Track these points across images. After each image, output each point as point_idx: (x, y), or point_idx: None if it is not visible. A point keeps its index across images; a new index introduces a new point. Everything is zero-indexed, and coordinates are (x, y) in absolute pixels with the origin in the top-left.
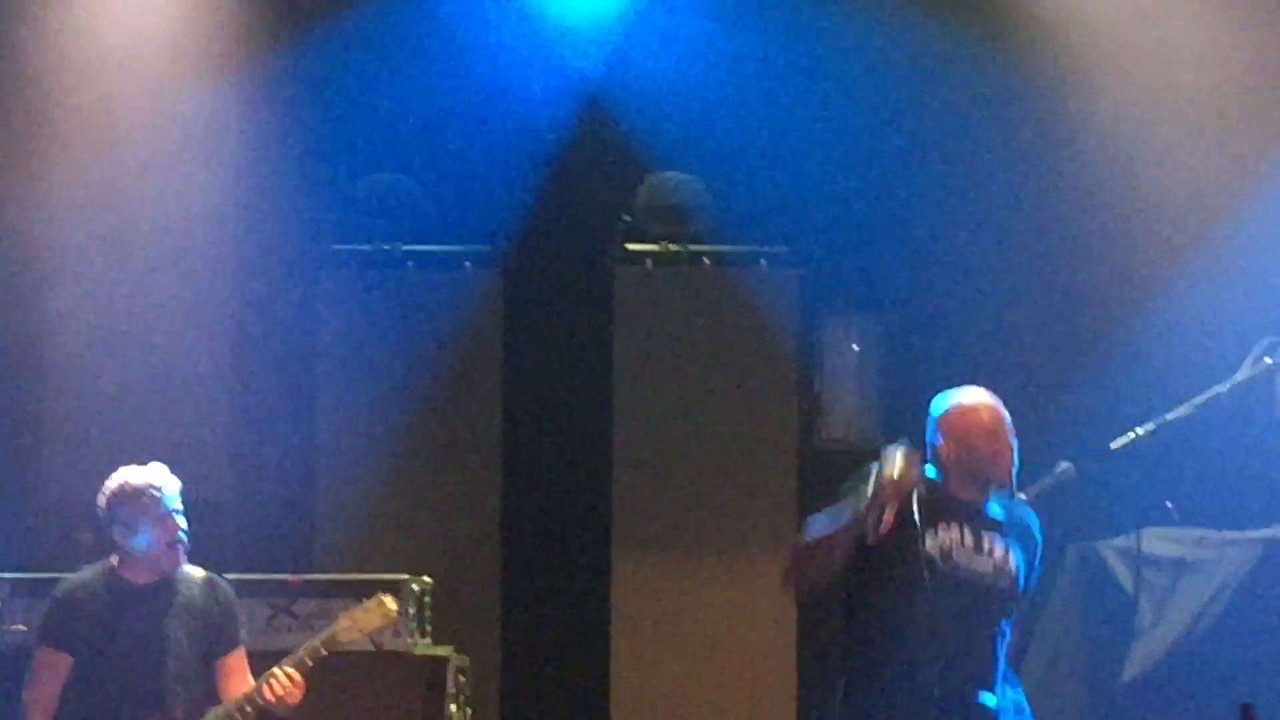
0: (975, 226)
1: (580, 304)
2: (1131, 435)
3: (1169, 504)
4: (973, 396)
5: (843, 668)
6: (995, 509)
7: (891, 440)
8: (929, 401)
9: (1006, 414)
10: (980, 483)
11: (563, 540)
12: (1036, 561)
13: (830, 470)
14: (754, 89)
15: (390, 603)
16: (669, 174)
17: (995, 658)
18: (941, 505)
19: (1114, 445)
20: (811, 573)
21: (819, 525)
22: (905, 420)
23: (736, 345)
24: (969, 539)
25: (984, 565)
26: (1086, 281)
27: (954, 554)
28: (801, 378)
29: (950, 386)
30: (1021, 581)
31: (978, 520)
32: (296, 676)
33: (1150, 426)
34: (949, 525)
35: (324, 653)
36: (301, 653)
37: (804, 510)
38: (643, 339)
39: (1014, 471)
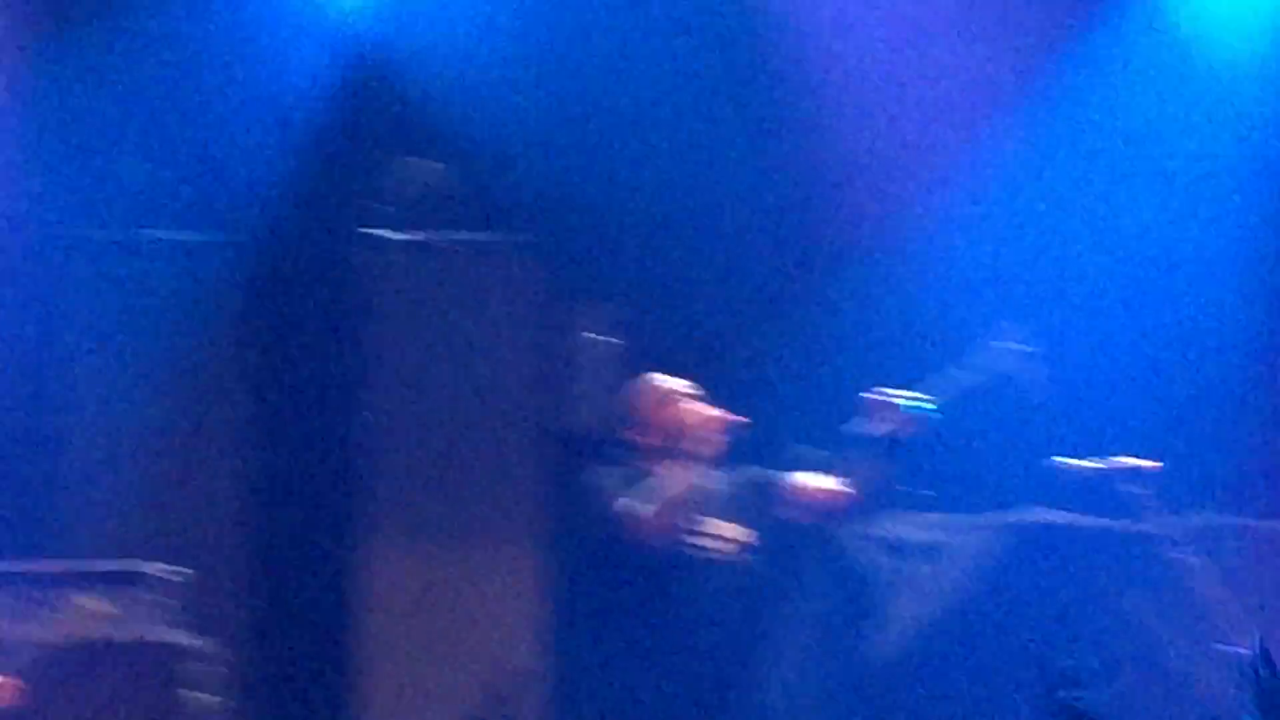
0: (713, 217)
1: (328, 290)
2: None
3: (914, 489)
4: (656, 379)
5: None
6: (724, 487)
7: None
8: None
9: (693, 390)
10: (681, 459)
11: (310, 525)
12: (771, 529)
13: (574, 455)
14: (503, 78)
15: (99, 604)
16: (417, 160)
17: (752, 632)
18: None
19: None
20: (670, 523)
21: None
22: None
23: (482, 333)
24: (703, 523)
25: (710, 543)
26: (826, 268)
27: (693, 537)
28: (545, 365)
29: (689, 373)
30: (754, 553)
31: (707, 504)
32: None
33: None
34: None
35: (40, 651)
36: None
37: (548, 495)
38: (390, 325)
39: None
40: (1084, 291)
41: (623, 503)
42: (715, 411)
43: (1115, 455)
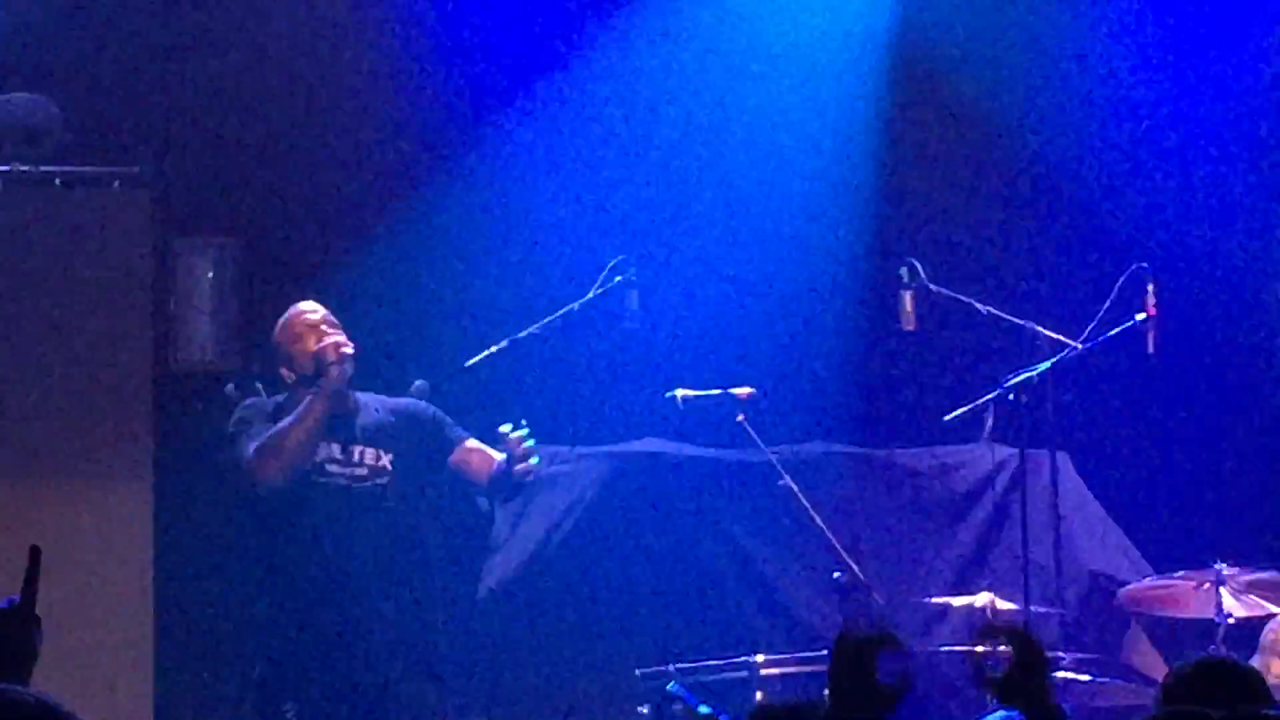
0: (306, 152)
1: None
2: (485, 352)
3: (523, 421)
4: (292, 308)
5: (264, 584)
6: (365, 416)
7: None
8: None
9: (328, 314)
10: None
11: None
12: (429, 450)
13: (186, 393)
14: (107, 6)
15: None
16: (17, 94)
17: (400, 555)
18: None
19: (469, 363)
20: (294, 457)
21: (262, 427)
22: (261, 343)
23: (90, 268)
24: (338, 452)
25: (359, 471)
26: (437, 206)
27: (327, 466)
28: (156, 300)
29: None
30: (406, 477)
31: (343, 432)
32: None
33: (504, 344)
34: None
35: None
36: None
37: (162, 432)
38: None
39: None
40: (695, 224)
41: (257, 433)
42: (345, 339)
43: (727, 386)
